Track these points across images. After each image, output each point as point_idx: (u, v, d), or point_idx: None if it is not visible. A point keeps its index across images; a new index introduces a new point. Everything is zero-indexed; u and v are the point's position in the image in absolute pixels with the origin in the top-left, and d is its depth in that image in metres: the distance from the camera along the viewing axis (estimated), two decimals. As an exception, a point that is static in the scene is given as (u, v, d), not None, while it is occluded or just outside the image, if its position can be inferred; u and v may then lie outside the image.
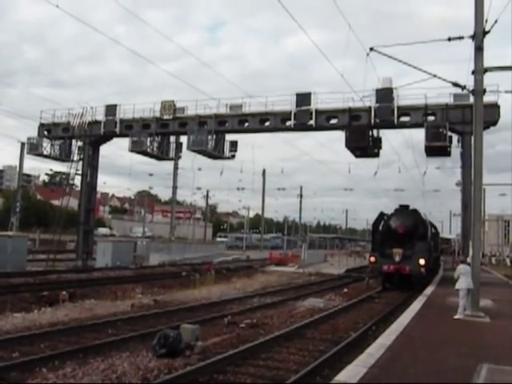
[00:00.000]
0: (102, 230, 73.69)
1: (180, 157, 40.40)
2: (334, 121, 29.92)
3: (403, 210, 24.80)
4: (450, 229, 78.24)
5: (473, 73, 13.82)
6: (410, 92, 30.65)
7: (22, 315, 13.74)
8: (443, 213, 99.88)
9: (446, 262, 43.28)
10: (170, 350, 9.51)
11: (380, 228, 24.68)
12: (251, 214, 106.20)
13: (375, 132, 29.74)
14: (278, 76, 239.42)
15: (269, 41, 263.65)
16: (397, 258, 22.48)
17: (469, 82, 14.72)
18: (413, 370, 7.40)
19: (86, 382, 7.74)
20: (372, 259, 23.67)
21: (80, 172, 35.48)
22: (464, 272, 13.09)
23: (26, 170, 64.82)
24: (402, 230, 23.16)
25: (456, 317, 12.63)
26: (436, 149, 27.69)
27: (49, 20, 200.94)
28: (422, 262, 21.96)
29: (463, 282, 12.94)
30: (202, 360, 9.18)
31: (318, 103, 29.55)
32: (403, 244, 22.77)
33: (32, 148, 36.67)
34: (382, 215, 25.11)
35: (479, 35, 13.49)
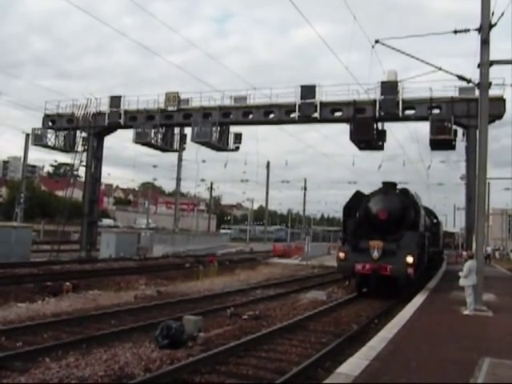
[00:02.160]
0: (106, 221, 73.96)
1: (184, 148, 40.40)
2: (338, 113, 29.84)
3: (388, 189, 18.83)
4: (454, 222, 78.17)
5: (478, 66, 13.73)
6: (415, 85, 30.51)
7: (25, 305, 13.82)
8: (447, 206, 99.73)
9: (449, 256, 43.27)
10: (172, 341, 9.56)
11: (356, 213, 18.83)
12: (255, 206, 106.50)
13: (380, 125, 29.63)
14: (285, 68, 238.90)
15: (276, 33, 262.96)
16: (375, 254, 17.00)
17: (474, 75, 14.64)
18: (414, 363, 7.42)
19: (89, 372, 7.78)
20: (341, 255, 17.81)
21: (84, 163, 35.57)
22: (473, 268, 12.96)
23: (30, 161, 64.74)
24: (385, 216, 17.57)
25: (466, 312, 12.62)
26: (441, 142, 27.56)
27: (56, 11, 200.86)
28: (409, 259, 16.44)
29: (470, 279, 12.83)
30: (204, 351, 9.21)
31: (323, 96, 29.49)
32: (385, 235, 17.38)
33: (36, 139, 36.70)
34: (358, 195, 19.34)
35: (485, 28, 13.39)
